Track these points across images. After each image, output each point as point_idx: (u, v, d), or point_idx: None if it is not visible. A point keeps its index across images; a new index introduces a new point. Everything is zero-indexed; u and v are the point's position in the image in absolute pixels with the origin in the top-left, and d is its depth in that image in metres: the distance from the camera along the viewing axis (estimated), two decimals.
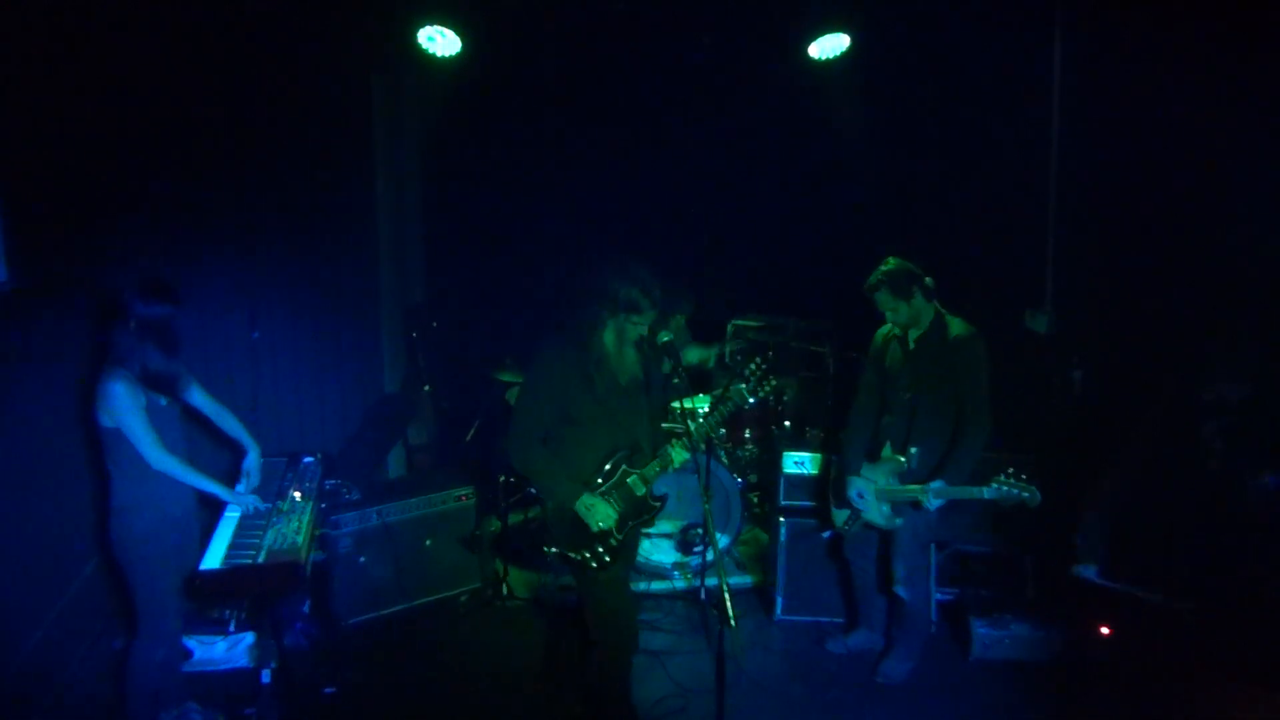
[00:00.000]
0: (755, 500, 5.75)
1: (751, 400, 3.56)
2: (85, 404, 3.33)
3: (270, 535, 3.47)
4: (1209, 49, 3.95)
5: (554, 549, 3.43)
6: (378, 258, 6.03)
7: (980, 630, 4.28)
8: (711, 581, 4.79)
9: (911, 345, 3.95)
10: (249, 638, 4.05)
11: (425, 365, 5.94)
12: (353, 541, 4.45)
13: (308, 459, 4.28)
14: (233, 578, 3.28)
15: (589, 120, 6.58)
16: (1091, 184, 4.77)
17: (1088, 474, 4.56)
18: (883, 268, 3.87)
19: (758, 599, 4.89)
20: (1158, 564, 4.29)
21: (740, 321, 6.30)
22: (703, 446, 3.43)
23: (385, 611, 4.57)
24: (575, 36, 5.70)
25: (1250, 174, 3.97)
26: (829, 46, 5.55)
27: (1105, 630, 4.26)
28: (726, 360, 6.27)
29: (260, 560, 3.32)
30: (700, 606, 4.78)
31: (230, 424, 3.75)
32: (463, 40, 5.30)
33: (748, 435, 5.81)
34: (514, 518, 5.53)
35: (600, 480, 3.37)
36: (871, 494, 3.98)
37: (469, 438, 5.88)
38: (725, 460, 5.26)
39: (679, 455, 3.40)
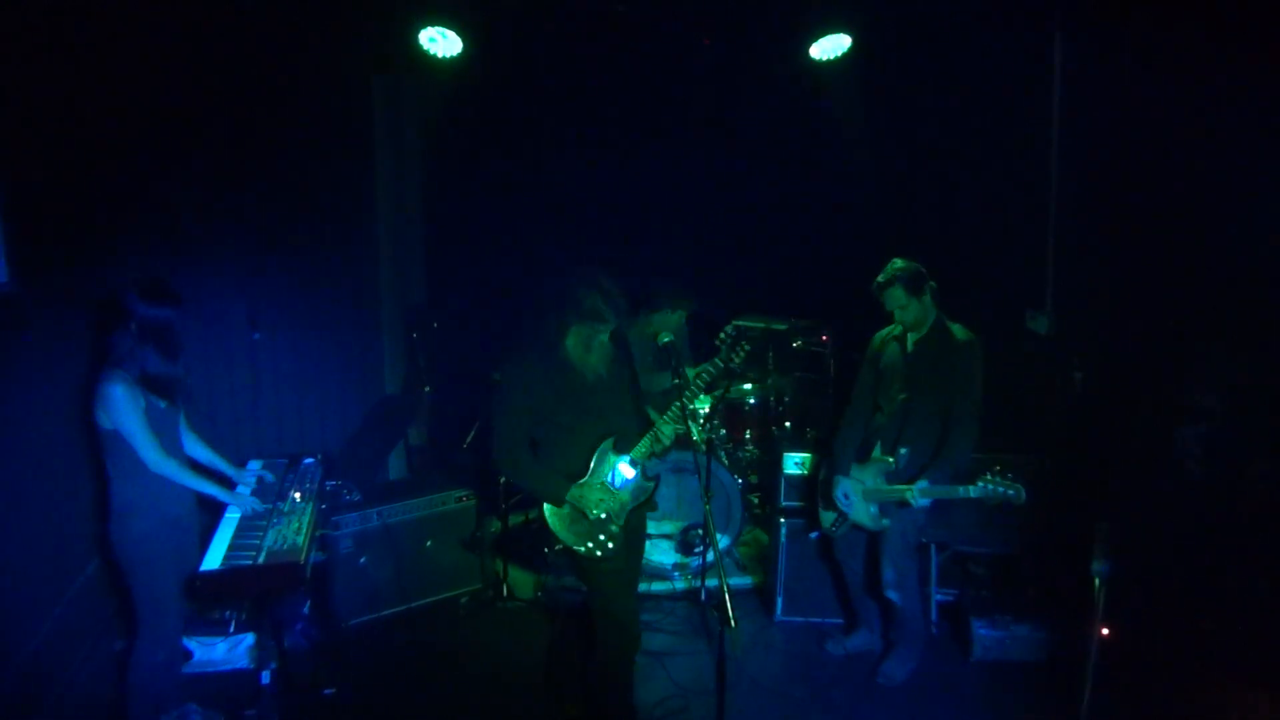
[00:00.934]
0: (755, 501, 5.75)
1: (721, 365, 3.56)
2: (85, 405, 3.33)
3: (270, 536, 3.47)
4: (1210, 49, 3.94)
5: (558, 546, 3.44)
6: (378, 258, 6.03)
7: (981, 631, 4.28)
8: (712, 582, 4.80)
9: (910, 347, 3.96)
10: (249, 639, 4.06)
11: (425, 366, 5.94)
12: (353, 542, 4.45)
13: (308, 460, 4.28)
14: (233, 579, 3.28)
15: (589, 121, 6.59)
16: (1091, 184, 4.76)
17: (1098, 469, 4.54)
18: (894, 266, 3.88)
19: (758, 600, 4.89)
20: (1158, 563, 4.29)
21: (740, 321, 6.29)
22: (702, 447, 3.43)
23: (385, 612, 4.57)
24: (575, 37, 5.70)
25: (1251, 174, 3.96)
26: (830, 47, 5.54)
27: (1105, 630, 4.25)
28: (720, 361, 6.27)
29: (260, 561, 3.32)
30: (701, 607, 4.78)
31: (217, 465, 3.78)
32: (463, 41, 5.31)
33: (748, 436, 5.81)
34: (514, 518, 5.53)
35: (589, 472, 3.40)
36: (858, 495, 4.00)
37: (469, 439, 5.88)
38: (725, 461, 5.26)
39: (668, 429, 3.41)
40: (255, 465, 4.18)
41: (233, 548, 3.40)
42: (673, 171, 6.86)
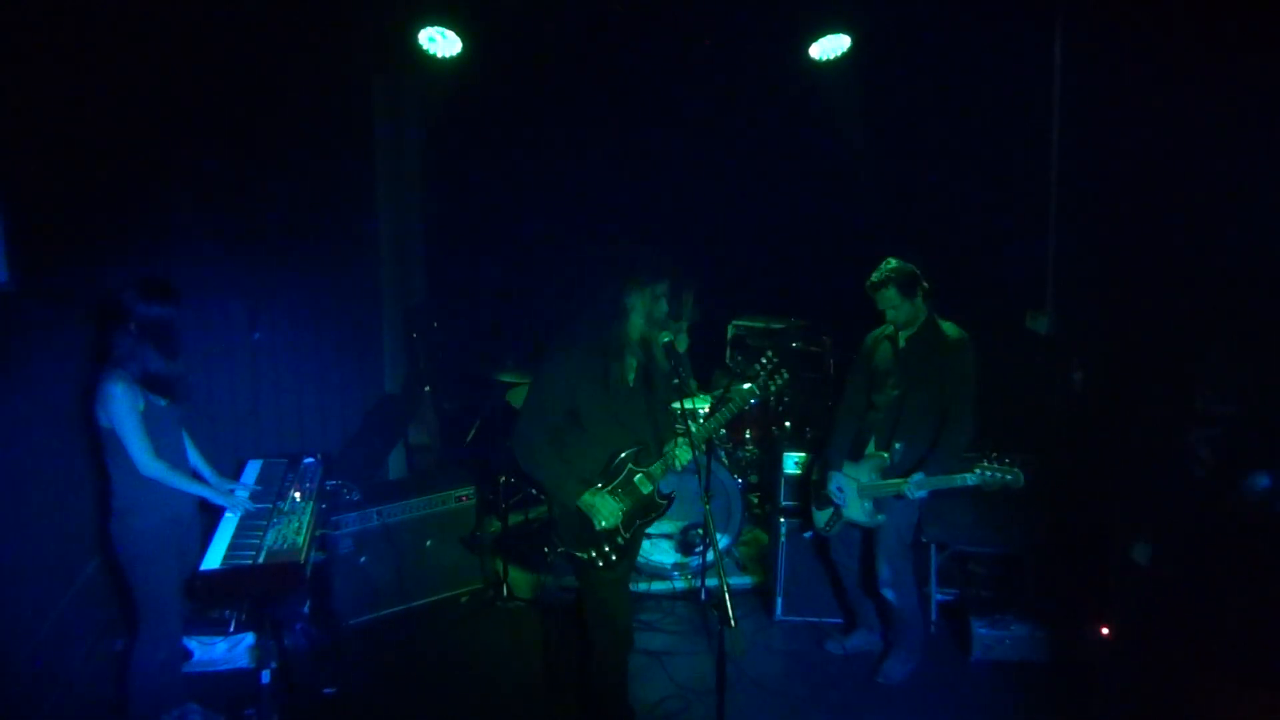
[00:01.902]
0: (755, 501, 5.75)
1: (755, 399, 3.55)
2: (85, 404, 3.33)
3: (270, 536, 3.47)
4: (1210, 49, 3.94)
5: (560, 548, 3.42)
6: (378, 258, 6.03)
7: (981, 631, 4.28)
8: (712, 582, 4.80)
9: (902, 344, 4.00)
10: (249, 638, 4.06)
11: (425, 365, 5.94)
12: (353, 542, 4.46)
13: (308, 459, 4.28)
14: (233, 578, 3.28)
15: (589, 121, 6.58)
16: (1091, 184, 4.76)
17: (1098, 470, 4.53)
18: (887, 266, 3.90)
19: (758, 599, 4.89)
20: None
21: (740, 321, 6.30)
22: (703, 447, 3.42)
23: (385, 612, 4.57)
24: (575, 37, 5.70)
25: (1253, 175, 3.95)
26: (830, 47, 5.54)
27: (1105, 630, 4.25)
28: (727, 361, 6.27)
29: (260, 561, 3.32)
30: (701, 607, 4.78)
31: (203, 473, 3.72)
32: (464, 41, 5.31)
33: (748, 436, 5.82)
34: (514, 518, 5.53)
35: (604, 480, 3.37)
36: (853, 491, 4.01)
37: (469, 438, 5.88)
38: (725, 461, 5.26)
39: (684, 455, 3.39)
40: (255, 466, 4.19)
41: (233, 547, 3.40)
42: (672, 171, 6.85)
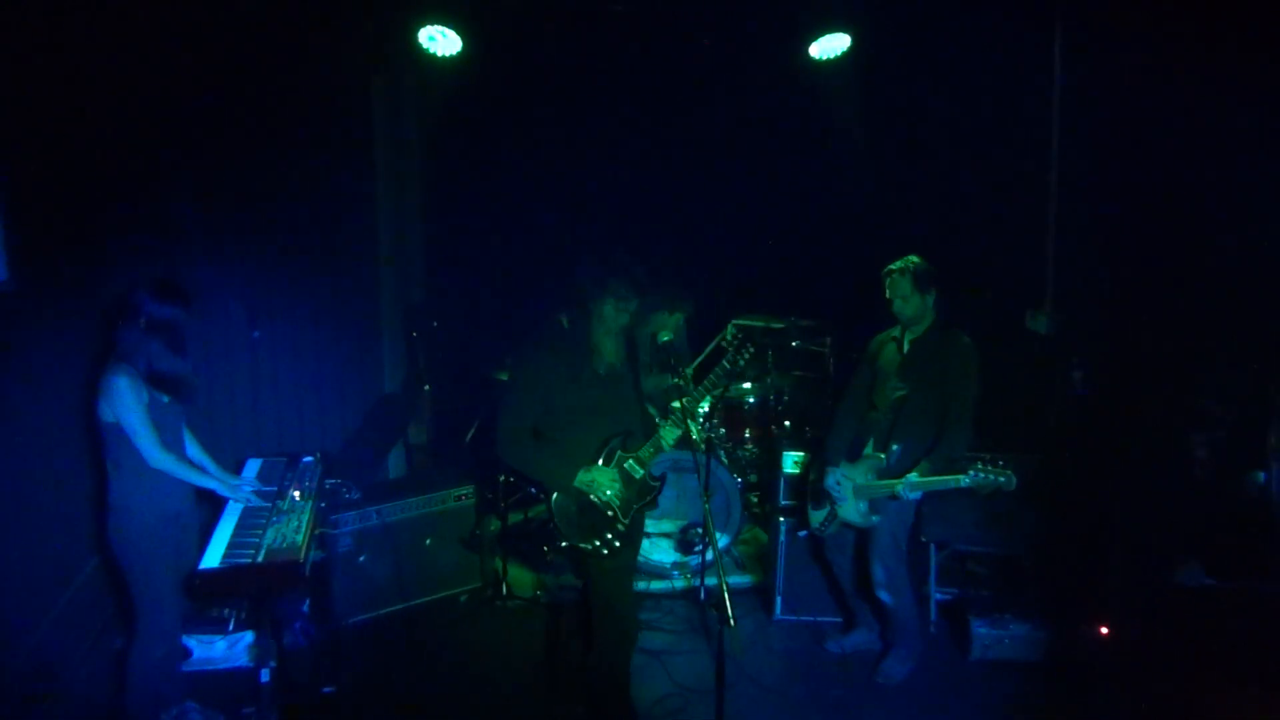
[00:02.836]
0: (755, 500, 5.75)
1: (729, 367, 3.52)
2: (88, 399, 3.33)
3: (270, 534, 3.46)
4: (1211, 48, 3.94)
5: (563, 543, 3.42)
6: (378, 257, 6.03)
7: (980, 630, 4.28)
8: (711, 581, 4.78)
9: (907, 348, 4.01)
10: (248, 637, 4.06)
11: (425, 365, 5.94)
12: (352, 541, 4.46)
13: (307, 458, 4.27)
14: (232, 576, 3.28)
15: (589, 120, 6.58)
16: (1091, 184, 4.76)
17: (1098, 469, 4.53)
18: (910, 259, 3.94)
19: (757, 599, 4.89)
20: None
21: (740, 321, 6.30)
22: (703, 447, 3.42)
23: (385, 611, 4.57)
24: (575, 36, 5.70)
25: (1251, 174, 3.96)
26: (830, 46, 5.54)
27: (1105, 630, 4.25)
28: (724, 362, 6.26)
29: (259, 559, 3.31)
30: (700, 606, 4.77)
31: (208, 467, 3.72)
32: (463, 40, 5.30)
33: (748, 435, 5.81)
34: (514, 517, 5.53)
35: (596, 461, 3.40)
36: (849, 490, 4.01)
37: (469, 437, 5.88)
38: (725, 460, 5.26)
39: (670, 434, 3.40)
40: (254, 464, 4.19)
41: (232, 545, 3.39)
42: (672, 170, 6.86)
